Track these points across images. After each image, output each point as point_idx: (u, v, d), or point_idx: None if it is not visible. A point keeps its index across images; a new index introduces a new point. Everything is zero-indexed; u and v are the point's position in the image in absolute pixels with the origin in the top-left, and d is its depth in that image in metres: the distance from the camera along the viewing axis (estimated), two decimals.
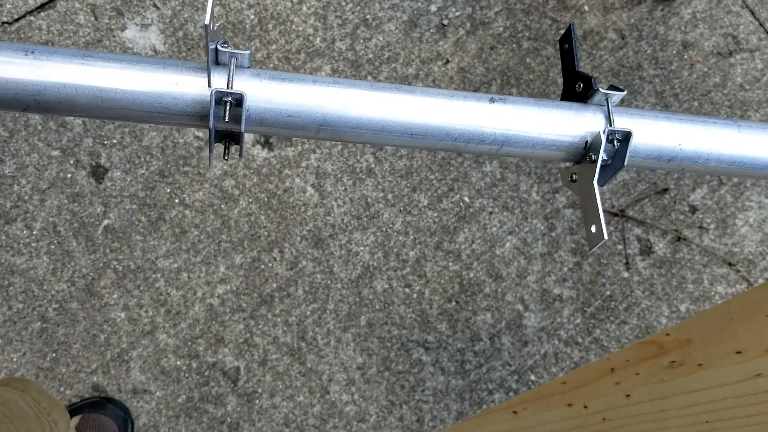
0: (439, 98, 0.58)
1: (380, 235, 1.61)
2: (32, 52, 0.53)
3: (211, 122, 0.53)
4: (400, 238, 1.62)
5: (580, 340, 1.64)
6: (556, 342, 1.63)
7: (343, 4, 1.69)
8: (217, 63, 0.55)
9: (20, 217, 1.50)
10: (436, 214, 1.64)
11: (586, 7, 1.79)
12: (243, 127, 0.54)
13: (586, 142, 0.59)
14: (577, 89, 0.61)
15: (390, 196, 1.63)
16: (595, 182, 0.57)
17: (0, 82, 0.52)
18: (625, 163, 0.58)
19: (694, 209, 1.73)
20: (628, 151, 0.58)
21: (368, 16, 1.69)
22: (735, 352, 0.75)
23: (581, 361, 1.63)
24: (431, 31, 1.71)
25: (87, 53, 0.54)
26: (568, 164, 0.62)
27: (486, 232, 1.65)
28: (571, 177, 0.61)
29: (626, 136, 0.58)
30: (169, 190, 1.55)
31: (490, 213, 1.66)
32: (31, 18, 1.56)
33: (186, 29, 1.61)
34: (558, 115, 0.59)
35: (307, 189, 1.60)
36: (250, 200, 1.57)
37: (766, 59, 1.83)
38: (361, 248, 1.60)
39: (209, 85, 0.53)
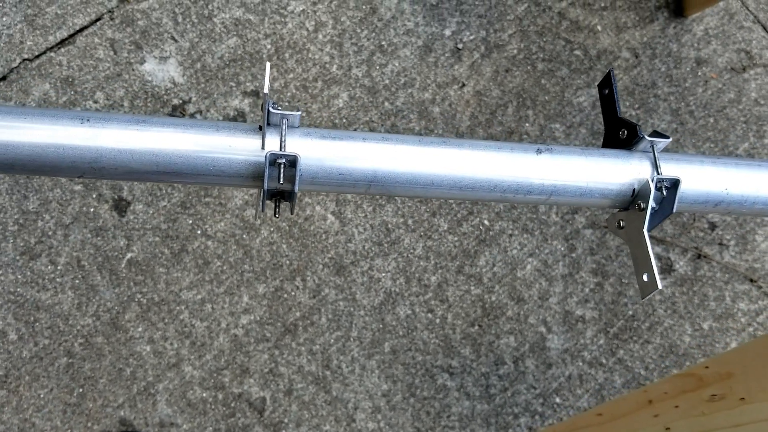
0: (486, 151, 0.58)
1: (401, 260, 1.61)
2: (88, 119, 0.53)
3: (265, 184, 0.54)
4: (422, 263, 1.62)
5: (604, 360, 1.64)
6: (580, 363, 1.63)
7: (359, 31, 1.70)
8: (268, 124, 0.56)
9: (45, 253, 1.50)
10: (456, 238, 1.64)
11: (599, 27, 1.80)
12: (297, 187, 0.55)
13: (634, 189, 0.59)
14: (620, 136, 0.62)
15: (410, 222, 1.63)
16: (645, 230, 0.57)
17: (57, 150, 0.52)
18: (674, 210, 0.58)
19: (713, 226, 1.73)
20: (677, 198, 0.58)
21: (383, 43, 1.70)
22: None
23: (606, 383, 1.63)
24: (446, 55, 1.72)
25: (141, 118, 0.54)
26: (614, 210, 0.62)
27: (507, 255, 1.65)
28: (618, 224, 0.61)
29: (675, 184, 0.58)
30: (191, 222, 1.55)
31: (510, 235, 1.66)
32: (52, 54, 1.58)
33: (204, 60, 1.62)
34: (605, 164, 0.59)
35: (327, 216, 1.60)
36: (272, 229, 1.58)
37: None
38: (383, 274, 1.60)
39: (263, 147, 0.54)
